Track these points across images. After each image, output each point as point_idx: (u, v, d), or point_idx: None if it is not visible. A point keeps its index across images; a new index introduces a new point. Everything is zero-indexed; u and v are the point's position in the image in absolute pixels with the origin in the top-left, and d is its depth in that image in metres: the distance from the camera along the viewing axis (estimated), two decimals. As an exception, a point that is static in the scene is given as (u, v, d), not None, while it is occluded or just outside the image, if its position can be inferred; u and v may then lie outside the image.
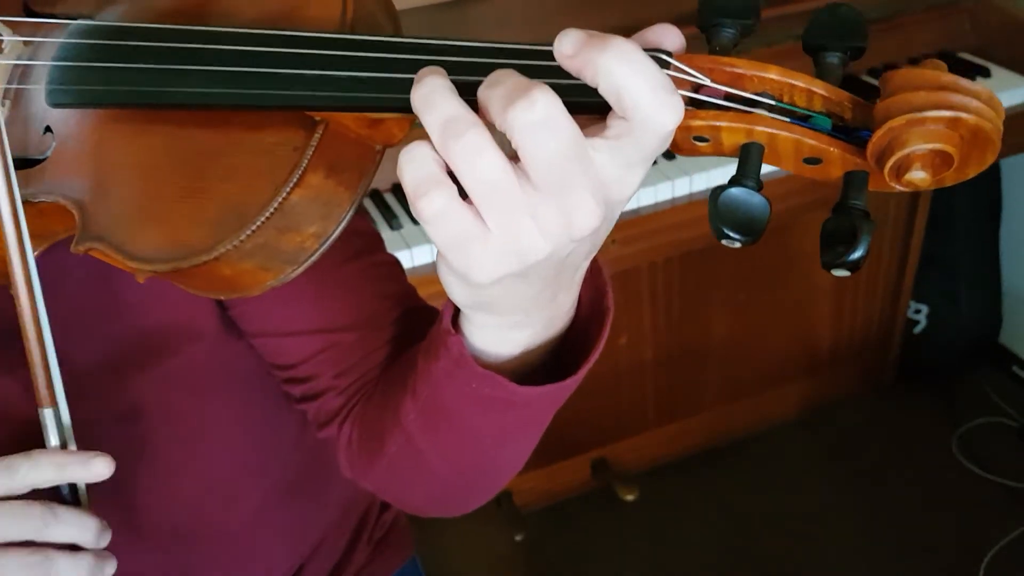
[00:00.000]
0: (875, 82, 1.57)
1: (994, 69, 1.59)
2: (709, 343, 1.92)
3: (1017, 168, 1.95)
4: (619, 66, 0.35)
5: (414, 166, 0.37)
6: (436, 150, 0.36)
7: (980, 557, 1.76)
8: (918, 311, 2.12)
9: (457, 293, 0.44)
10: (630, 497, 1.86)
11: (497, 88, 0.36)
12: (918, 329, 2.13)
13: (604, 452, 1.94)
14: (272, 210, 0.41)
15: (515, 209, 0.36)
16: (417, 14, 1.36)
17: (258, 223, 0.41)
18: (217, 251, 0.42)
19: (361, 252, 0.66)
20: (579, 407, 1.82)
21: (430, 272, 1.30)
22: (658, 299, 1.79)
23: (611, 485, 1.89)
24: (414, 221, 1.35)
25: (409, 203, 0.37)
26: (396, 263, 0.70)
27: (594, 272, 0.52)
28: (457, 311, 0.51)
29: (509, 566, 1.87)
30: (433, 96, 0.36)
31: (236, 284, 0.45)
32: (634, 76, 0.35)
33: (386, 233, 1.33)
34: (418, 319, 0.67)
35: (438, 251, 0.39)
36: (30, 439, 0.63)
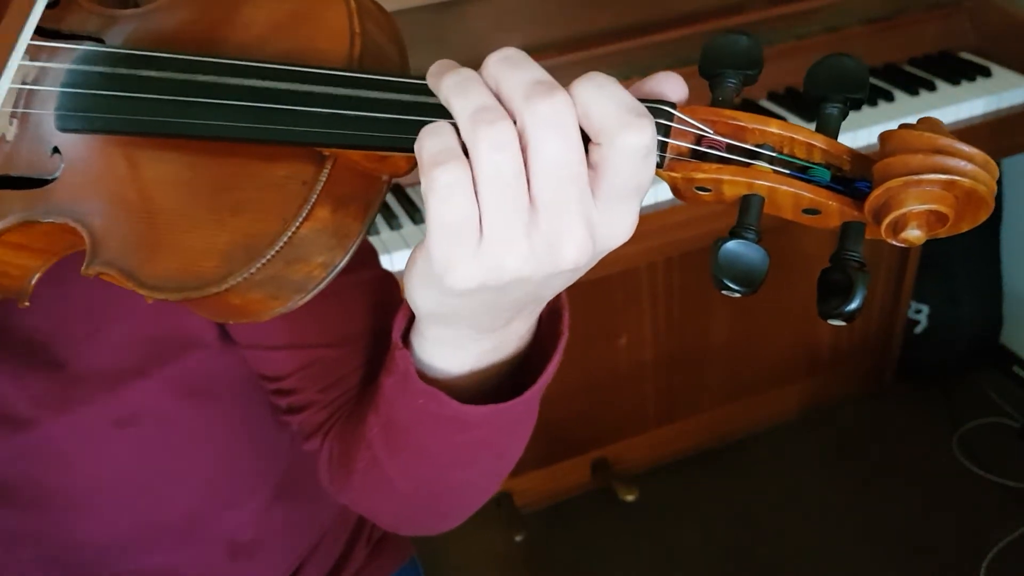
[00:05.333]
0: (876, 83, 1.57)
1: (994, 69, 1.59)
2: (709, 343, 1.92)
3: (1017, 168, 1.94)
4: (585, 89, 0.36)
5: (437, 138, 0.37)
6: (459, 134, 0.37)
7: (980, 557, 1.76)
8: (919, 311, 2.11)
9: (422, 298, 0.44)
10: (630, 497, 1.86)
11: (520, 71, 0.36)
12: (919, 329, 2.13)
13: (604, 452, 1.94)
14: (282, 244, 0.42)
15: (516, 213, 0.36)
16: (417, 14, 1.36)
17: (268, 256, 0.42)
18: (227, 283, 0.42)
19: (350, 268, 0.66)
20: (579, 407, 1.83)
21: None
22: (658, 299, 1.79)
23: (611, 485, 1.89)
24: (414, 221, 1.35)
25: (422, 173, 0.37)
26: (386, 277, 0.69)
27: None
28: (408, 326, 0.51)
29: (509, 566, 1.86)
30: (469, 84, 0.37)
31: (244, 311, 0.45)
32: (600, 97, 0.36)
33: (386, 233, 1.33)
34: None
35: (426, 244, 0.39)
36: (26, 441, 0.63)
